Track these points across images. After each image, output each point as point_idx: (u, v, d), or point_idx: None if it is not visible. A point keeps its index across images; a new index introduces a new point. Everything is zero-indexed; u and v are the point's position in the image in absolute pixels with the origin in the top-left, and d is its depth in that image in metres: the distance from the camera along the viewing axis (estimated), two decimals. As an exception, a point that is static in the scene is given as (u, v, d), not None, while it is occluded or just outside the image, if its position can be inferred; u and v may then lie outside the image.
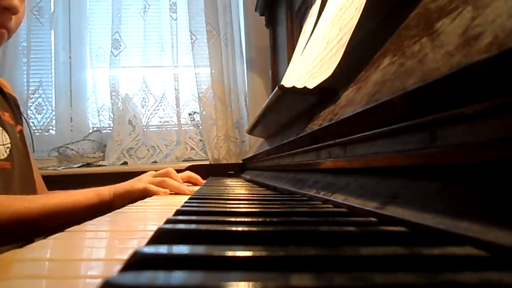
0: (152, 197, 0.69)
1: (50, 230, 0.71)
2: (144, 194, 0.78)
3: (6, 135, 0.79)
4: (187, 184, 0.95)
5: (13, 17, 0.77)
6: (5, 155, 0.77)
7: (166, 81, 1.82)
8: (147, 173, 0.88)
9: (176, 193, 0.81)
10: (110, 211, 0.74)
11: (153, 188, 0.80)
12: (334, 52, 0.52)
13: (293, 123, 0.70)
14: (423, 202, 0.23)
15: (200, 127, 1.81)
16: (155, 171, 0.91)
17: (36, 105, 1.79)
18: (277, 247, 0.17)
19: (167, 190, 0.80)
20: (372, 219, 0.27)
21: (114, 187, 0.80)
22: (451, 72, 0.21)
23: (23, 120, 0.95)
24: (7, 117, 0.82)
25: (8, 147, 0.78)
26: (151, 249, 0.17)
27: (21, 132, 0.87)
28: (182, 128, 1.79)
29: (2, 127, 0.78)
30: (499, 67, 0.17)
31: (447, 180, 0.22)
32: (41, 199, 0.71)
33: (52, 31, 1.79)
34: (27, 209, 0.65)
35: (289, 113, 0.72)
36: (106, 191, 0.78)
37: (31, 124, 1.73)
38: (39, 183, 0.94)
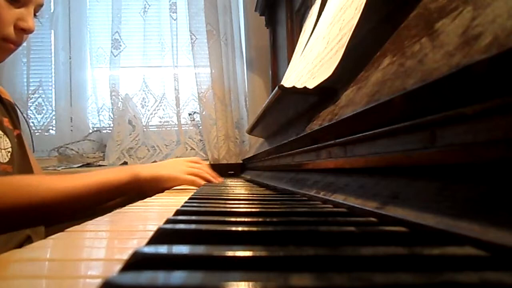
0: (153, 197, 0.69)
1: (90, 208, 0.75)
2: (187, 185, 0.83)
3: (7, 139, 0.80)
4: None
5: None
6: (7, 159, 0.78)
7: (166, 81, 1.82)
8: (178, 160, 0.91)
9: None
10: (143, 193, 0.79)
11: (200, 182, 0.84)
12: (334, 52, 0.52)
13: (293, 123, 0.70)
14: (423, 202, 0.23)
15: (200, 127, 1.80)
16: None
17: (36, 105, 1.79)
18: (277, 247, 0.17)
19: (196, 179, 0.85)
20: (372, 219, 0.27)
21: (153, 168, 0.83)
22: (451, 72, 0.21)
23: (24, 121, 0.96)
24: (6, 122, 0.84)
25: (9, 151, 0.79)
26: (151, 249, 0.17)
27: (19, 135, 0.88)
28: (182, 128, 1.79)
29: (2, 132, 0.79)
30: (499, 67, 0.17)
31: (447, 180, 0.22)
32: (83, 177, 0.73)
33: (52, 31, 1.79)
34: (73, 186, 0.68)
35: (289, 113, 0.72)
36: (144, 172, 0.80)
37: (31, 124, 1.73)
38: None
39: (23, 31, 0.78)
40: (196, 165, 0.90)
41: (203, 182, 0.85)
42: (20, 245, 0.74)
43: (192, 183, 0.84)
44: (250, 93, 1.86)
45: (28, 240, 0.79)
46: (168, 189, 0.82)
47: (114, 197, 0.78)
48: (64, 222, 0.32)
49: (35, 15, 0.81)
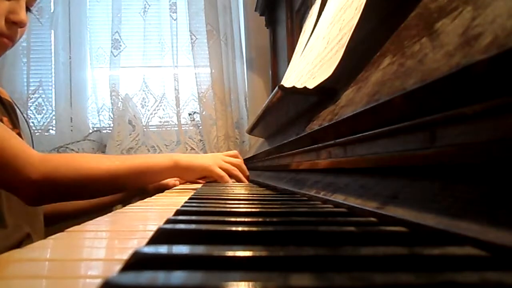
0: (153, 197, 0.69)
1: (132, 187, 0.85)
2: (216, 179, 0.87)
3: None
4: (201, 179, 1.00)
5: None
6: None
7: (166, 81, 1.82)
8: (218, 155, 0.95)
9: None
10: (178, 177, 0.90)
11: (228, 179, 0.87)
12: (334, 52, 0.52)
13: (293, 123, 0.70)
14: (423, 202, 0.23)
15: (200, 127, 1.81)
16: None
17: (36, 105, 1.79)
18: (277, 247, 0.17)
19: (226, 176, 0.88)
20: (372, 219, 0.27)
21: (192, 157, 0.89)
22: (451, 72, 0.21)
23: (24, 120, 0.96)
24: (6, 121, 0.84)
25: None
26: (151, 249, 0.17)
27: (18, 135, 0.88)
28: (182, 128, 1.79)
29: None
30: (499, 67, 0.17)
31: (447, 180, 0.22)
32: (128, 159, 0.81)
33: (52, 31, 1.79)
34: (118, 167, 0.75)
35: (289, 113, 0.72)
36: (183, 159, 0.85)
37: (31, 124, 1.73)
38: None
39: (15, 25, 0.78)
40: (232, 160, 0.93)
41: (231, 180, 0.88)
42: (19, 243, 0.74)
43: (220, 178, 0.87)
44: (250, 93, 1.86)
45: (28, 239, 0.79)
46: (200, 177, 0.90)
47: (153, 180, 0.85)
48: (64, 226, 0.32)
49: (28, 9, 0.81)
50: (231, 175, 0.90)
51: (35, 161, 0.68)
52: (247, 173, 0.97)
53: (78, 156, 0.81)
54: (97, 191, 0.78)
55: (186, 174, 0.88)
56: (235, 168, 0.91)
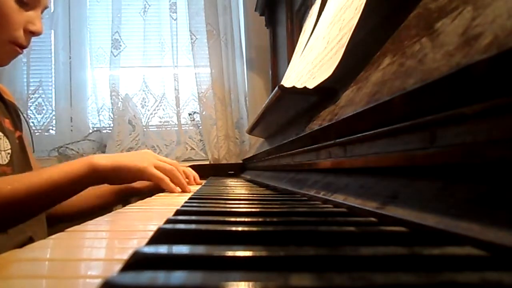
0: (153, 197, 0.69)
1: (43, 209, 0.69)
2: (154, 180, 0.74)
3: (7, 141, 0.80)
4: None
5: None
6: (6, 161, 0.78)
7: (166, 81, 1.82)
8: (148, 152, 0.80)
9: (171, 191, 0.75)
10: (103, 183, 0.73)
11: (169, 183, 0.74)
12: (334, 52, 0.52)
13: (293, 123, 0.70)
14: (423, 202, 0.23)
15: (200, 127, 1.81)
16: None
17: (36, 105, 1.79)
18: (277, 247, 0.17)
19: (166, 178, 0.74)
20: (372, 219, 0.27)
21: (115, 157, 0.74)
22: (450, 72, 0.21)
23: (24, 121, 0.95)
24: (7, 123, 0.83)
25: (8, 153, 0.79)
26: (151, 249, 0.17)
27: (20, 137, 0.88)
28: (182, 128, 1.79)
29: (2, 133, 0.79)
30: (499, 67, 0.17)
31: (447, 180, 0.22)
32: (25, 177, 0.65)
33: (52, 31, 1.79)
34: (12, 191, 0.61)
35: (289, 113, 0.72)
36: (103, 161, 0.71)
37: (31, 124, 1.73)
38: None
39: (31, 34, 0.79)
40: (168, 161, 0.81)
41: (172, 185, 0.74)
42: (21, 247, 0.73)
43: (159, 180, 0.74)
44: (250, 93, 1.86)
45: (30, 242, 0.78)
46: (134, 181, 0.76)
47: (75, 190, 0.70)
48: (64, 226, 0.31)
49: None
50: (172, 178, 0.75)
51: None
52: (190, 178, 0.86)
53: None
54: (8, 219, 0.64)
55: (112, 177, 0.73)
56: (174, 169, 0.77)
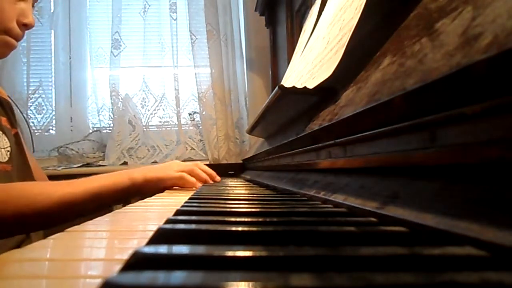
0: (153, 197, 0.69)
1: (89, 213, 0.73)
2: (177, 183, 0.82)
3: (6, 138, 0.80)
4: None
5: None
6: (6, 158, 0.78)
7: (166, 81, 1.82)
8: (174, 161, 0.91)
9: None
10: (140, 195, 0.79)
11: (189, 177, 0.82)
12: (334, 52, 0.52)
13: (293, 123, 0.70)
14: (423, 202, 0.23)
15: (200, 127, 1.81)
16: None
17: (36, 105, 1.79)
18: (277, 247, 0.17)
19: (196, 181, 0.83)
20: (372, 219, 0.27)
21: (146, 171, 0.82)
22: (450, 72, 0.21)
23: (24, 121, 0.95)
24: (4, 121, 0.84)
25: (8, 151, 0.80)
26: (151, 249, 0.17)
27: (16, 134, 0.88)
28: (182, 128, 1.79)
29: (1, 131, 0.79)
30: (499, 67, 0.17)
31: (447, 180, 0.22)
32: (83, 183, 0.74)
33: (52, 31, 1.79)
34: (71, 194, 0.69)
35: (289, 113, 0.72)
36: (139, 176, 0.80)
37: (31, 124, 1.73)
38: (42, 180, 0.95)
39: (25, 27, 0.80)
40: (191, 163, 0.90)
41: (192, 179, 0.83)
42: (18, 245, 0.74)
43: (179, 178, 0.82)
44: (250, 93, 1.86)
45: (27, 240, 0.79)
46: (165, 189, 0.82)
47: (113, 202, 0.79)
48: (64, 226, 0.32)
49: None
50: (192, 175, 0.85)
51: None
52: (210, 173, 0.94)
53: (28, 186, 0.71)
54: (55, 222, 0.70)
55: (145, 189, 0.81)
56: (194, 168, 0.87)
